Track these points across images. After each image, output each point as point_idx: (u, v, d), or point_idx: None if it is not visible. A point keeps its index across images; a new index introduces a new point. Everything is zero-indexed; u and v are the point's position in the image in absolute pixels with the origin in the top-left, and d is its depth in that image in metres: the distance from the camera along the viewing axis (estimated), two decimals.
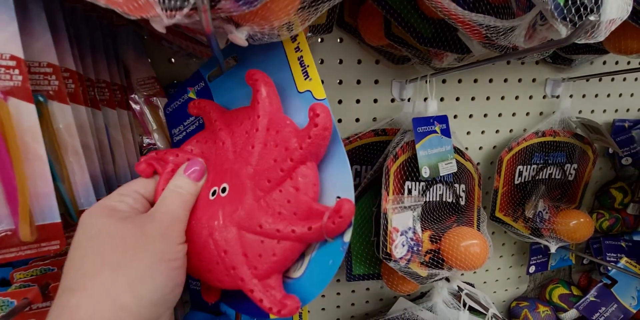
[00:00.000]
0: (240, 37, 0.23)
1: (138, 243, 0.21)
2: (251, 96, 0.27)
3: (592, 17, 0.24)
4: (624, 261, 0.65)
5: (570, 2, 0.25)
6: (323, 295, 0.61)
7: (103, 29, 0.34)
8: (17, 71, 0.21)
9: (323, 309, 0.62)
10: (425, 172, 0.43)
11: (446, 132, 0.46)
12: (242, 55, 0.29)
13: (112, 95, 0.34)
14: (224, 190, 0.24)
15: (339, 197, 0.22)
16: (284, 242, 0.21)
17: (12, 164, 0.21)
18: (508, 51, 0.34)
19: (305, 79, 0.25)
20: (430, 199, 0.49)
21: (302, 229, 0.21)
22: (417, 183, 0.46)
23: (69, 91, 0.26)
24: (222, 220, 0.23)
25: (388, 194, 0.42)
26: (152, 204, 0.25)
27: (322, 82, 0.50)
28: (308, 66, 0.25)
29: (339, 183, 0.22)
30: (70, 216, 0.26)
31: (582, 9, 0.25)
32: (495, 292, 0.74)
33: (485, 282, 0.72)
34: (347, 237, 0.21)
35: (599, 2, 0.25)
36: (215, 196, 0.24)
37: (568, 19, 0.25)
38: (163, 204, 0.24)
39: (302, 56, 0.25)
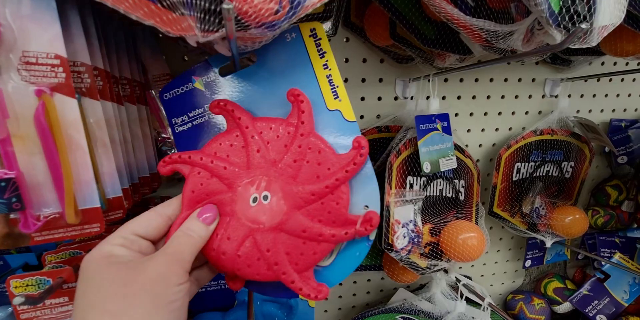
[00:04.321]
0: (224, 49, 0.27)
1: (136, 288, 0.21)
2: (271, 98, 0.30)
3: (583, 25, 0.26)
4: (617, 256, 0.67)
5: (564, 10, 0.27)
6: None
7: (124, 29, 0.36)
8: (61, 69, 0.23)
9: (326, 298, 0.65)
10: (426, 168, 0.45)
11: (447, 130, 0.48)
12: (262, 59, 0.30)
13: (132, 91, 0.36)
14: (265, 197, 0.27)
15: (366, 206, 0.28)
16: (323, 244, 0.26)
17: (58, 153, 0.23)
18: (507, 54, 0.36)
19: (334, 99, 0.29)
20: (431, 194, 0.51)
21: (340, 234, 0.26)
22: (419, 178, 0.48)
23: (98, 88, 0.28)
24: (266, 224, 0.26)
25: (391, 188, 0.45)
26: (153, 242, 0.26)
27: None
28: (338, 87, 0.29)
29: (367, 195, 0.28)
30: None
31: (575, 17, 0.27)
32: (492, 285, 0.76)
33: (482, 276, 0.74)
34: (372, 236, 0.28)
35: (592, 9, 0.27)
36: (257, 203, 0.27)
37: (562, 26, 0.27)
38: (171, 245, 0.25)
39: (331, 75, 0.29)
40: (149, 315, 0.21)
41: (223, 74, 0.33)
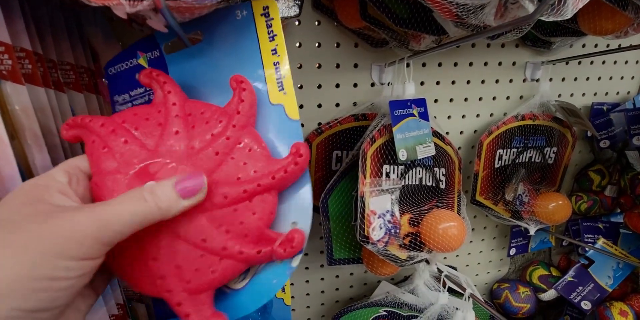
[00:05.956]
0: (158, 24, 0.24)
1: (11, 245, 0.16)
2: (212, 83, 0.27)
3: None
4: (601, 242, 0.67)
5: None
6: (307, 281, 0.62)
7: (65, 10, 0.32)
8: None
9: (307, 294, 0.63)
10: (402, 155, 0.43)
11: (424, 115, 0.46)
12: (209, 36, 0.28)
13: (78, 78, 0.33)
14: None
15: (294, 223, 0.23)
16: (227, 261, 0.21)
17: None
18: (480, 31, 0.34)
19: (279, 90, 0.24)
20: (410, 183, 0.49)
21: (250, 251, 0.21)
22: (396, 166, 0.46)
23: (25, 72, 0.25)
24: (158, 226, 0.21)
25: (365, 178, 0.42)
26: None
27: (300, 66, 0.49)
28: (284, 77, 0.24)
29: (297, 209, 0.23)
30: None
31: None
32: (477, 274, 0.75)
33: (467, 265, 0.73)
34: (296, 262, 0.23)
35: None
36: None
37: None
38: (108, 203, 0.19)
39: (278, 62, 0.25)
40: (13, 284, 0.15)
41: (168, 51, 0.30)
